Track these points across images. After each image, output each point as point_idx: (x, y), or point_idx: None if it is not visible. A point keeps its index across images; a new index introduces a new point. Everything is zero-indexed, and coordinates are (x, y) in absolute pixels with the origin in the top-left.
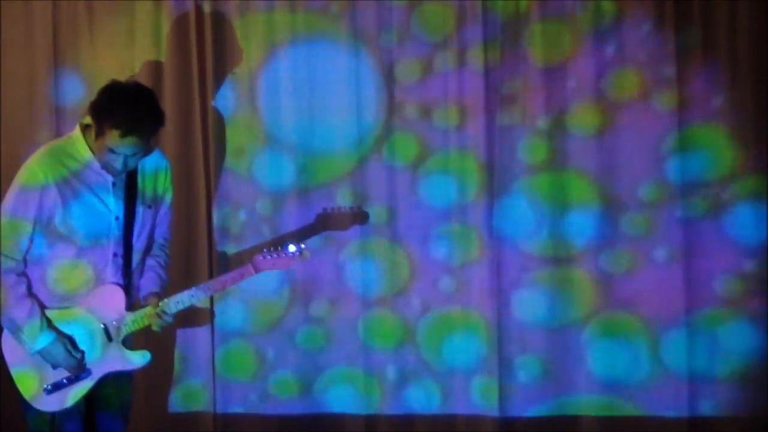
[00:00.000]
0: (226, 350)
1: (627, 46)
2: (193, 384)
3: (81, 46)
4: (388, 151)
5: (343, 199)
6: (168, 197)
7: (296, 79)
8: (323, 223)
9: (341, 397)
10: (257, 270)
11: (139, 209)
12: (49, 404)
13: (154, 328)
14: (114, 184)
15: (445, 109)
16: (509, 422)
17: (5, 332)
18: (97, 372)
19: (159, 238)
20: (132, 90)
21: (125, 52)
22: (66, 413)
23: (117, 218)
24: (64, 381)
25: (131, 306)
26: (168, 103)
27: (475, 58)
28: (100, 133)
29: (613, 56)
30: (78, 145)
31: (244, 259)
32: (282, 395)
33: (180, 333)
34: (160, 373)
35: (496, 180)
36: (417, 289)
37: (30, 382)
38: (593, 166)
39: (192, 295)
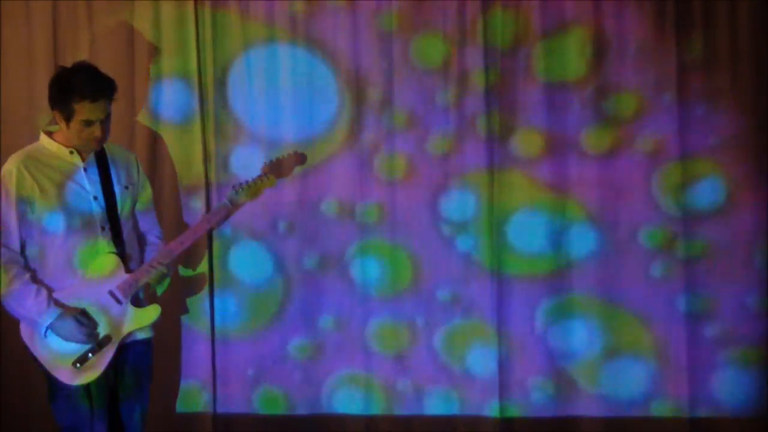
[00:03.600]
0: (226, 351)
1: (629, 63)
2: (193, 384)
3: (81, 46)
4: (385, 169)
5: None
6: (147, 190)
7: (296, 80)
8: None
9: (343, 400)
10: (234, 204)
11: (117, 188)
12: (83, 377)
13: (153, 282)
14: (85, 170)
15: (445, 130)
16: (509, 422)
17: (24, 328)
18: (117, 336)
19: (152, 238)
20: (78, 65)
21: (125, 52)
22: (95, 415)
23: (96, 198)
24: (89, 355)
25: (129, 270)
26: (168, 102)
27: (476, 79)
28: (70, 115)
29: (617, 73)
30: (45, 143)
31: None
32: (279, 405)
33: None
34: (168, 374)
35: (497, 194)
36: (417, 296)
37: (61, 366)
38: (597, 189)
39: (181, 242)
